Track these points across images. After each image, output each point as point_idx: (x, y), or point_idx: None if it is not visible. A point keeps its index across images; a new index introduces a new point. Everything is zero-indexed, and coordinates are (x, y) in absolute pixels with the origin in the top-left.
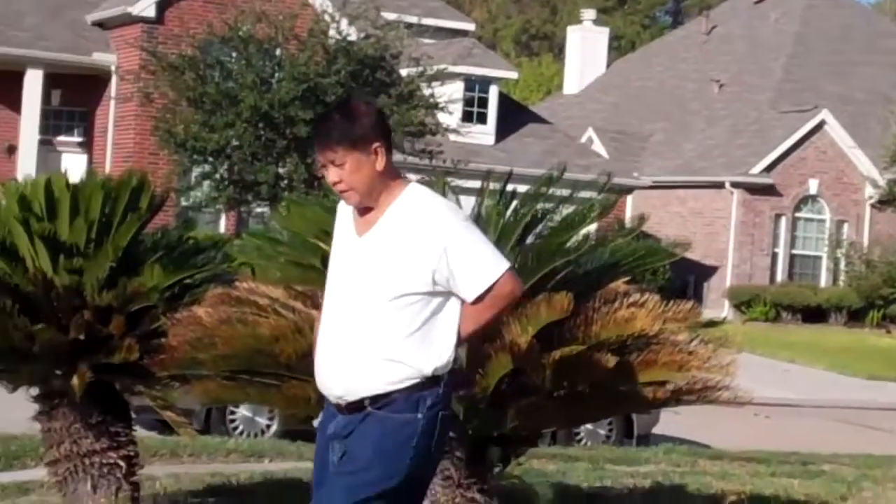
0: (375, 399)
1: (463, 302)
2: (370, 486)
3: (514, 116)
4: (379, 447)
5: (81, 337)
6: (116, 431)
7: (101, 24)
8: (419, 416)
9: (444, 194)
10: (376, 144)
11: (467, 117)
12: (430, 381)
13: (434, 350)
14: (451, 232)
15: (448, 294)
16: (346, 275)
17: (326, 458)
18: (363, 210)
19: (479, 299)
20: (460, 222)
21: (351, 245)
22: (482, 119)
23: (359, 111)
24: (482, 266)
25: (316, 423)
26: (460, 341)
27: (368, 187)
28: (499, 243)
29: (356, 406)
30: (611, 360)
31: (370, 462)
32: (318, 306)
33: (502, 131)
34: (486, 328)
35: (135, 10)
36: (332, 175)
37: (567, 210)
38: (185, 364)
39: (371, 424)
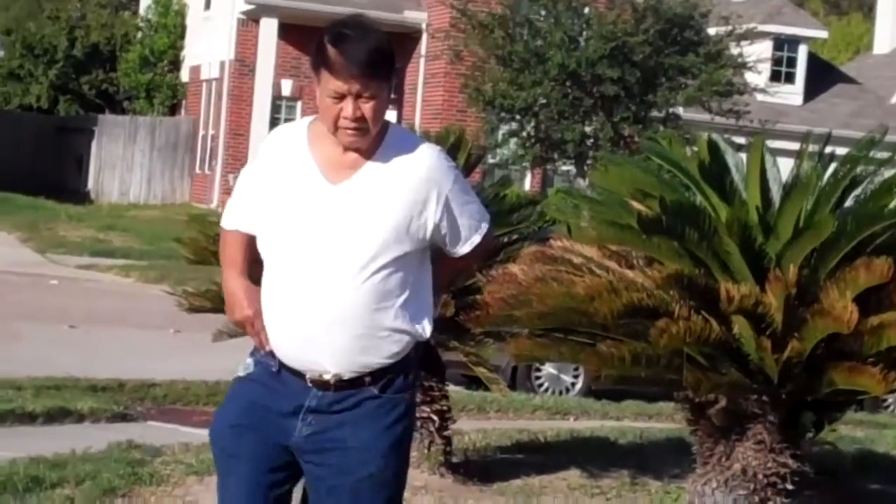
0: (378, 375)
1: (439, 253)
2: (399, 486)
3: (822, 76)
4: (390, 435)
5: None
6: (430, 386)
7: None
8: (410, 393)
9: (762, 157)
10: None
11: (775, 77)
12: (415, 348)
13: (426, 310)
14: (450, 181)
15: (427, 245)
16: (320, 229)
17: (262, 430)
18: (337, 150)
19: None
20: (454, 169)
21: (318, 192)
22: (790, 79)
23: (388, 38)
24: (478, 218)
25: (241, 372)
26: (437, 295)
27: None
28: (817, 206)
29: (350, 383)
30: None
31: (387, 458)
32: (632, 266)
33: (810, 91)
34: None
35: None
36: (352, 109)
37: (886, 174)
38: (500, 321)
39: (373, 409)
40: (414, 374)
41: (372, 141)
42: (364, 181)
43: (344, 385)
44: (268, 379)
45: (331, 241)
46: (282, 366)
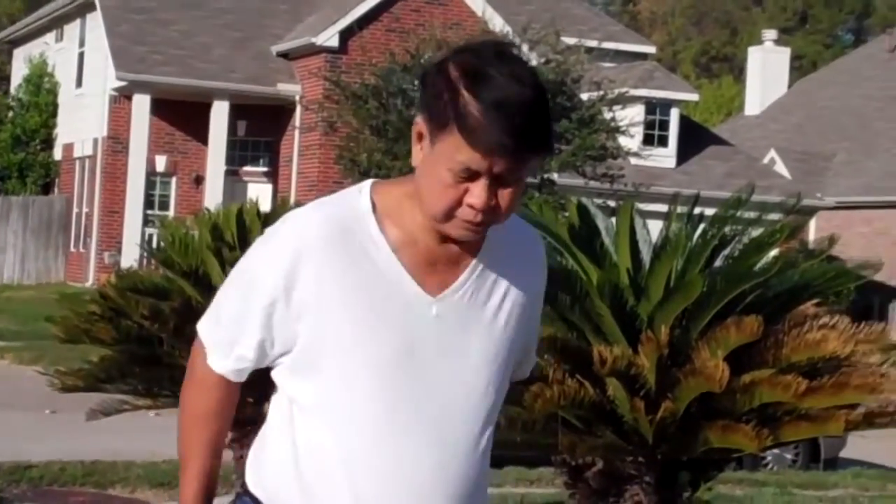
0: None
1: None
2: None
3: (695, 139)
4: None
5: None
6: None
7: (285, 55)
8: None
9: (631, 219)
10: None
11: (648, 140)
12: None
13: None
14: (546, 270)
15: None
16: (429, 363)
17: None
18: (429, 238)
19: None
20: None
21: (414, 310)
22: (663, 142)
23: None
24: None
25: None
26: None
27: None
28: (687, 266)
29: None
30: (802, 384)
31: None
32: None
33: (684, 154)
34: None
35: (318, 40)
36: (486, 195)
37: (754, 232)
38: None
39: None
40: None
41: None
42: (475, 289)
43: None
44: None
45: (443, 387)
46: None
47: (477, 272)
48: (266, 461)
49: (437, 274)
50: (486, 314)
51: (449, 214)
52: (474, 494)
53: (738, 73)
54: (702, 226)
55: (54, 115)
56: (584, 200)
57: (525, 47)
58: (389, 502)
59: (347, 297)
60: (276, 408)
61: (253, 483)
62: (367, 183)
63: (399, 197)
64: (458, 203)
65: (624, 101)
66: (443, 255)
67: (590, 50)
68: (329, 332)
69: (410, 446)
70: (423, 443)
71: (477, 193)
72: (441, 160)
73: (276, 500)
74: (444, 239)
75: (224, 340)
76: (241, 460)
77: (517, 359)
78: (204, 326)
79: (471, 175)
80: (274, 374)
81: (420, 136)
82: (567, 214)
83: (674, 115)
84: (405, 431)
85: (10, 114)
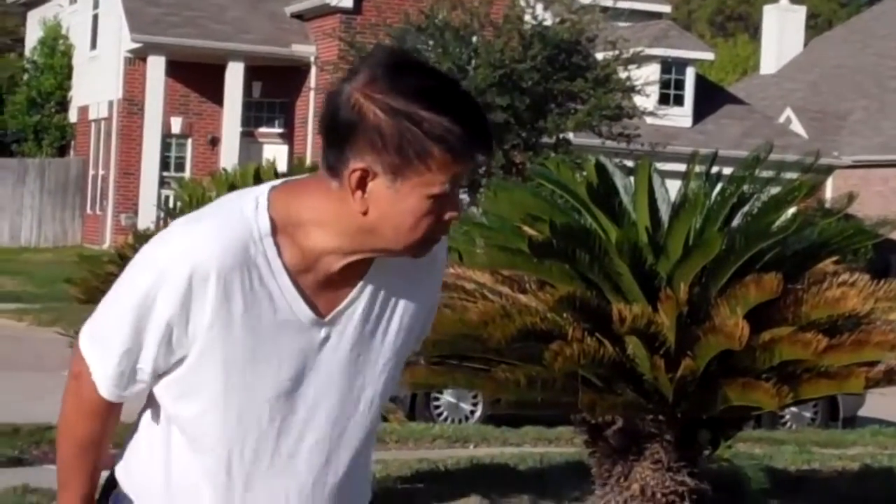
0: None
1: None
2: None
3: (710, 98)
4: None
5: None
6: None
7: (299, 16)
8: None
9: (650, 178)
10: None
11: (664, 100)
12: None
13: None
14: (445, 260)
15: None
16: (319, 390)
17: None
18: (327, 274)
19: None
20: None
21: (305, 336)
22: (679, 101)
23: None
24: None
25: None
26: None
27: None
28: (706, 225)
29: None
30: (822, 341)
31: None
32: (524, 290)
33: (699, 113)
34: None
35: (333, 0)
36: (455, 201)
37: (772, 191)
38: None
39: None
40: None
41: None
42: (369, 305)
43: None
44: None
45: (332, 412)
46: None
47: (367, 288)
48: (137, 469)
49: (329, 295)
50: (377, 330)
51: (428, 240)
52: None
53: (754, 32)
54: (720, 184)
55: (69, 77)
56: (602, 159)
57: (540, 7)
58: None
59: (240, 328)
60: (151, 421)
61: (125, 484)
62: (264, 194)
63: (300, 218)
64: (434, 226)
65: (639, 60)
66: (337, 277)
67: (605, 9)
68: (219, 359)
69: (289, 485)
70: (301, 479)
71: (454, 203)
72: (415, 192)
73: None
74: (349, 264)
75: (117, 371)
76: None
77: (408, 352)
78: (93, 355)
79: (443, 194)
80: (157, 391)
81: (362, 182)
82: (585, 174)
83: (689, 75)
84: (283, 470)
85: (26, 76)
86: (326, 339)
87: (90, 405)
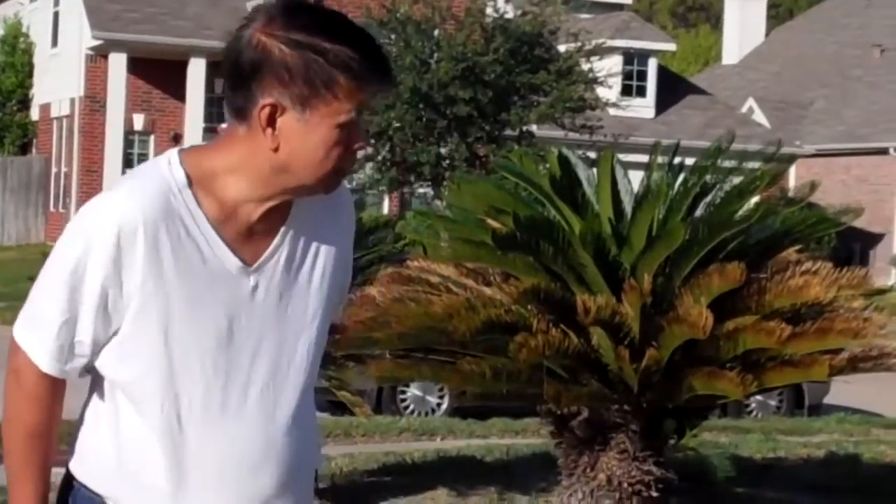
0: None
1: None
2: None
3: (673, 89)
4: None
5: None
6: None
7: None
8: None
9: (612, 169)
10: None
11: (626, 91)
12: None
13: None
14: (353, 211)
15: None
16: (253, 338)
17: None
18: (248, 222)
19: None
20: None
21: (235, 285)
22: (641, 92)
23: None
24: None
25: None
26: None
27: None
28: (669, 215)
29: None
30: (786, 329)
31: None
32: (489, 283)
33: (662, 104)
34: None
35: None
36: (361, 131)
37: (735, 181)
38: (360, 344)
39: None
40: None
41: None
42: (288, 256)
43: None
44: None
45: (268, 361)
46: None
47: (289, 235)
48: (88, 452)
49: (253, 244)
50: (301, 275)
51: (339, 171)
52: (302, 453)
53: (715, 23)
54: (682, 175)
55: (30, 75)
56: (565, 151)
57: (501, 0)
58: (218, 488)
59: (173, 280)
60: (97, 400)
61: (79, 472)
62: (174, 153)
63: (213, 169)
64: (345, 155)
65: (601, 51)
66: (258, 226)
67: (566, 1)
68: (156, 314)
69: (241, 430)
70: (252, 424)
71: (360, 133)
72: (324, 123)
73: (103, 490)
74: (268, 211)
75: (56, 344)
76: None
77: (335, 303)
78: (30, 337)
79: (351, 121)
80: (99, 363)
81: (271, 118)
82: (548, 166)
83: (651, 66)
84: (234, 416)
85: None
86: (255, 287)
87: (34, 388)
